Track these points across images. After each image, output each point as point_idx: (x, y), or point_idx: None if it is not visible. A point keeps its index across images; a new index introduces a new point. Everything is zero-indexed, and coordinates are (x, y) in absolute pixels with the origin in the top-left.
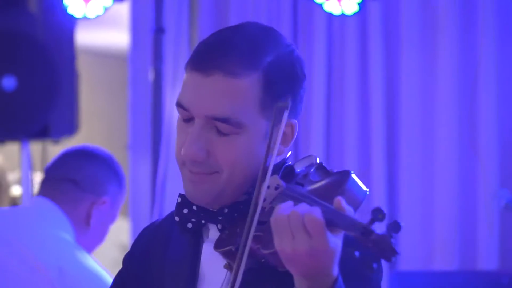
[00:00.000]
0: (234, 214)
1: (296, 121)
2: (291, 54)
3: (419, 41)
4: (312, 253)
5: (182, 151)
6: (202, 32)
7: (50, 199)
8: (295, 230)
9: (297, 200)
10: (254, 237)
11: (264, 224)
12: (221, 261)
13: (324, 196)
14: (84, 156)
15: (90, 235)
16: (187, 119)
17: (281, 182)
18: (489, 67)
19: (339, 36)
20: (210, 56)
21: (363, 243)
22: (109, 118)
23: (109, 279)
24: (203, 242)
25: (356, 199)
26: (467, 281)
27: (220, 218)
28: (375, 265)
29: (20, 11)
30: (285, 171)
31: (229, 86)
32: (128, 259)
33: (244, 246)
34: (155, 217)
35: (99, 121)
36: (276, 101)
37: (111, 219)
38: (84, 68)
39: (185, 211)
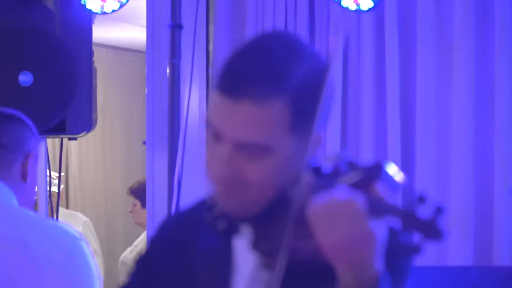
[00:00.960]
0: (266, 218)
1: (323, 133)
2: (319, 71)
3: (435, 36)
4: (355, 240)
5: (209, 171)
6: (219, 28)
7: None
8: (335, 219)
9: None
10: (292, 233)
11: (297, 220)
12: (254, 256)
13: (357, 187)
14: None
15: (27, 190)
16: (217, 138)
17: (312, 179)
18: (505, 58)
19: (355, 31)
20: (238, 83)
21: (408, 228)
22: (126, 114)
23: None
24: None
25: (391, 191)
26: (481, 277)
27: (251, 221)
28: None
29: (37, 7)
30: (313, 170)
31: (258, 113)
32: (151, 252)
33: (283, 245)
34: (173, 212)
35: (116, 117)
36: (306, 121)
37: (37, 168)
38: (101, 64)
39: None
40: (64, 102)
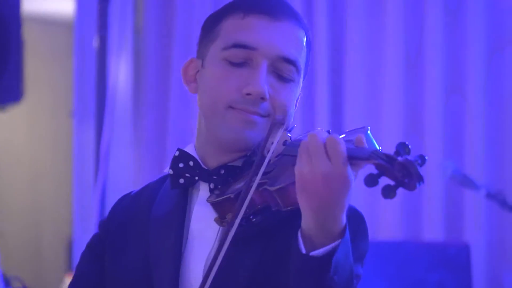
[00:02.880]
0: (229, 177)
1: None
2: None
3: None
4: (329, 177)
5: (248, 89)
6: (147, 1)
7: None
8: (315, 151)
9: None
10: (259, 184)
11: (267, 174)
12: (212, 222)
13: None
14: None
15: None
16: (239, 63)
17: (289, 136)
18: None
19: None
20: (280, 4)
21: (388, 170)
22: (54, 86)
23: None
24: (194, 202)
25: None
26: (412, 252)
27: (214, 177)
28: (395, 192)
29: None
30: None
31: (298, 34)
32: (106, 225)
33: (248, 187)
34: (99, 184)
35: (44, 89)
36: (308, 62)
37: None
38: (30, 36)
39: (181, 165)
40: None
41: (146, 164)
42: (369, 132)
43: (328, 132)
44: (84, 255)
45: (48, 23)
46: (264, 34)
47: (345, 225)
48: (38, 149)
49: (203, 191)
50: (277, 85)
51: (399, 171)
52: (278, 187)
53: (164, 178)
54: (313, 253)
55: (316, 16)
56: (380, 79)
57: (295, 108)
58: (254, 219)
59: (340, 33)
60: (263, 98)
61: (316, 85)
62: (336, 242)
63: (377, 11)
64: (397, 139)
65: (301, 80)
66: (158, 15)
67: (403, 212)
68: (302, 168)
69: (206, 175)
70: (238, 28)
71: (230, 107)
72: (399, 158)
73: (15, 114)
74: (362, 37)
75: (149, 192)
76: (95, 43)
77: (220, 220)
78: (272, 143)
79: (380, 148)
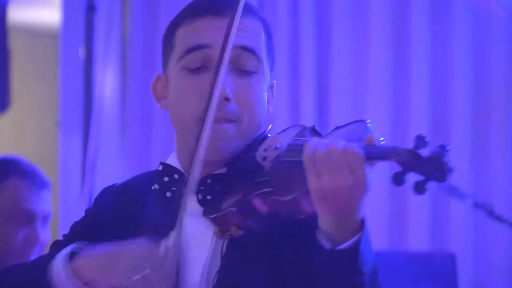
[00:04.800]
0: (217, 185)
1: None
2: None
3: None
4: (353, 187)
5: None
6: (134, 10)
7: None
8: (336, 166)
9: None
10: (264, 193)
11: (269, 182)
12: (203, 233)
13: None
14: None
15: None
16: (197, 68)
17: (282, 142)
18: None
19: None
20: (220, 2)
21: (416, 166)
22: (40, 96)
23: None
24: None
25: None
26: (398, 262)
27: (202, 188)
28: (426, 187)
29: None
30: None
31: (252, 25)
32: (93, 213)
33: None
34: (85, 194)
35: (31, 99)
36: (271, 51)
37: None
38: (15, 46)
39: (166, 179)
40: None
41: (133, 174)
42: (369, 125)
43: (314, 129)
44: (69, 234)
45: (35, 33)
46: (216, 31)
47: (363, 218)
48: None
49: (191, 203)
50: (240, 81)
51: (428, 166)
52: (291, 197)
53: (152, 176)
54: (339, 247)
55: (301, 16)
56: (367, 76)
57: (272, 99)
58: (251, 224)
59: (325, 32)
60: (226, 99)
61: (301, 84)
62: (358, 235)
63: (362, 10)
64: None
65: (268, 71)
66: (145, 25)
67: (389, 221)
68: (323, 183)
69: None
70: (189, 33)
71: (200, 120)
72: (425, 153)
73: (1, 124)
74: (348, 35)
75: (139, 191)
76: (81, 53)
77: (222, 233)
78: (266, 149)
79: (383, 139)
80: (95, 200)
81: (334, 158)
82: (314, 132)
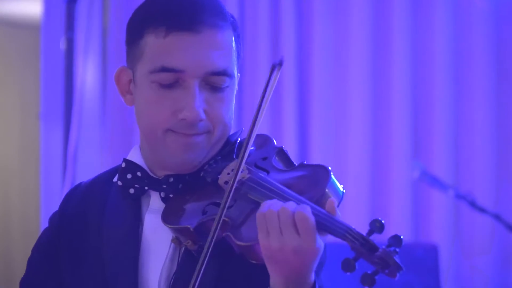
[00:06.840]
0: (179, 184)
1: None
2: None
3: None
4: (298, 250)
5: (183, 114)
6: (114, 2)
7: None
8: (284, 227)
9: (270, 191)
10: (222, 222)
11: (228, 209)
12: (164, 231)
13: (302, 192)
14: None
15: None
16: (170, 84)
17: (248, 170)
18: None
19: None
20: (193, 14)
21: (367, 256)
22: (21, 88)
23: None
24: (145, 210)
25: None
26: None
27: (164, 186)
28: (376, 279)
29: None
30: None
31: (217, 39)
32: (58, 219)
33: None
34: (67, 185)
35: (12, 90)
36: (240, 51)
37: None
38: None
39: (129, 176)
40: None
41: (114, 164)
42: (332, 176)
43: (282, 150)
44: (35, 252)
45: (16, 25)
46: (189, 53)
47: (314, 281)
48: (6, 151)
49: (154, 199)
50: (211, 98)
51: (378, 262)
52: (244, 244)
53: (115, 171)
54: None
55: (282, 15)
56: (346, 81)
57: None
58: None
59: (306, 31)
60: (200, 120)
61: (283, 84)
62: None
63: (343, 16)
64: (364, 140)
65: (237, 75)
66: (125, 17)
67: (370, 212)
68: (270, 243)
69: (156, 185)
70: (162, 50)
71: (169, 129)
72: (378, 251)
73: None
74: (329, 35)
75: (101, 191)
76: (62, 45)
77: (178, 242)
78: (232, 171)
79: (344, 190)
80: (60, 205)
81: (283, 219)
82: (282, 153)
